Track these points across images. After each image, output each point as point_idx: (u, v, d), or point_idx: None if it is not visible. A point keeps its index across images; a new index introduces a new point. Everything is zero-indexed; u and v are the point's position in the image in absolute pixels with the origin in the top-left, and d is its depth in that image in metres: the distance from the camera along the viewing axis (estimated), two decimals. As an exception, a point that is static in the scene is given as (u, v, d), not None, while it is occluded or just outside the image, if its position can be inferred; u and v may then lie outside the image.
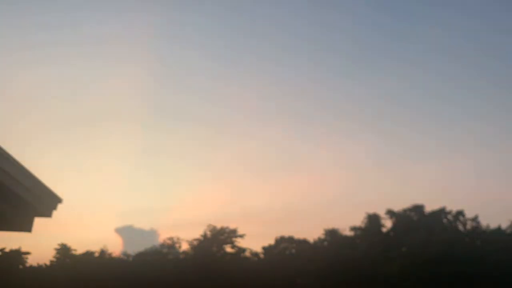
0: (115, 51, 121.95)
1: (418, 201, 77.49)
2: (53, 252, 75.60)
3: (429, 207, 72.60)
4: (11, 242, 66.35)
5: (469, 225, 70.12)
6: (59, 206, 7.98)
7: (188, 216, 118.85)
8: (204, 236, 73.72)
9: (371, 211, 74.31)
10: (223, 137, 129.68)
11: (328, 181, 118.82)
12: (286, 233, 78.48)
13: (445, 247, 59.00)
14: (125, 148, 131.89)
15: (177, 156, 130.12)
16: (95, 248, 75.73)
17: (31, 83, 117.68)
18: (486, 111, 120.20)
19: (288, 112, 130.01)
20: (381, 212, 74.05)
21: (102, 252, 75.54)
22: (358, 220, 76.96)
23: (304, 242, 76.27)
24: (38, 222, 8.13)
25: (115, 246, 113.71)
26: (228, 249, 73.82)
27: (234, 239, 73.56)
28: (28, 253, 69.31)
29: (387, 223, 74.04)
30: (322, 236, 74.80)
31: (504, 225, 68.27)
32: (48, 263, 75.55)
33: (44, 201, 7.51)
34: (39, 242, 79.00)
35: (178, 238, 78.08)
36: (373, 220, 73.50)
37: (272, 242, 77.59)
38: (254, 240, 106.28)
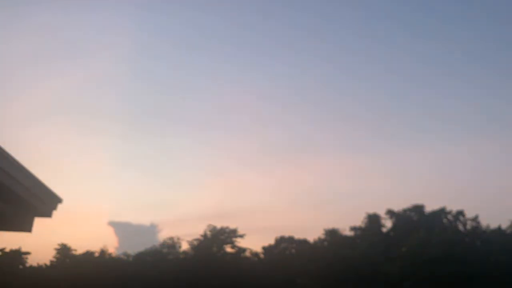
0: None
1: (418, 201, 77.67)
2: (53, 252, 75.73)
3: (429, 207, 72.76)
4: (11, 242, 66.42)
5: (469, 225, 70.16)
6: (59, 206, 7.99)
7: (190, 210, 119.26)
8: (204, 236, 73.74)
9: (371, 211, 74.52)
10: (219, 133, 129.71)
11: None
12: (287, 232, 78.75)
13: (445, 247, 58.98)
14: (123, 144, 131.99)
15: (178, 151, 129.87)
16: (95, 248, 75.79)
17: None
18: (486, 111, 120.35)
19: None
20: (381, 212, 74.19)
21: (102, 252, 75.57)
22: (358, 220, 77.11)
23: (304, 242, 76.33)
24: (38, 222, 8.13)
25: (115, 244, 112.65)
26: (228, 249, 73.84)
27: (234, 239, 73.58)
28: (28, 253, 69.38)
29: (387, 223, 74.16)
30: (322, 236, 74.87)
31: (504, 225, 68.40)
32: (48, 263, 75.61)
33: (44, 201, 7.51)
34: (39, 242, 78.97)
35: (178, 238, 78.17)
36: (373, 220, 73.56)
37: (272, 241, 77.78)
38: (256, 235, 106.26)
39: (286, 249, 76.98)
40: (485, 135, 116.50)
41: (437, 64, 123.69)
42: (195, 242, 73.79)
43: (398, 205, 75.71)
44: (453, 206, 71.58)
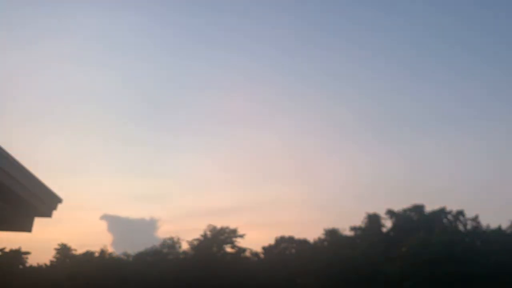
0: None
1: (418, 201, 77.67)
2: (53, 252, 75.79)
3: (429, 207, 72.73)
4: (11, 242, 66.46)
5: (469, 225, 70.14)
6: (59, 206, 7.99)
7: (190, 204, 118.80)
8: (204, 236, 73.74)
9: (371, 211, 74.49)
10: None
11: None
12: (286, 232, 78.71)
13: (445, 247, 58.97)
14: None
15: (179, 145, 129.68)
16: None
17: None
18: (486, 109, 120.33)
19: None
20: (381, 212, 74.16)
21: (102, 252, 75.60)
22: (358, 220, 77.11)
23: (304, 242, 76.29)
24: (38, 222, 8.13)
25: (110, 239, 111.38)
26: (228, 249, 73.84)
27: (234, 239, 73.58)
28: (28, 253, 69.44)
29: (387, 223, 74.13)
30: (322, 236, 74.84)
31: (504, 225, 68.35)
32: (48, 263, 75.66)
33: (44, 201, 7.50)
34: (39, 242, 78.99)
35: (178, 238, 78.17)
36: (373, 220, 73.53)
37: (272, 242, 77.72)
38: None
39: (286, 249, 76.93)
40: (485, 135, 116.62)
41: (437, 64, 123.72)
42: (195, 242, 73.82)
43: (398, 205, 75.81)
44: (453, 206, 71.69)
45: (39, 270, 73.25)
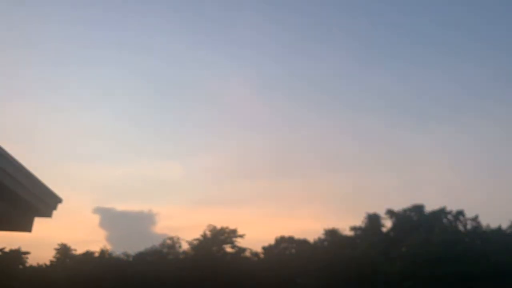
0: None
1: (418, 201, 77.67)
2: (53, 252, 75.83)
3: (429, 207, 72.74)
4: (11, 242, 66.44)
5: (469, 225, 70.16)
6: (59, 206, 7.99)
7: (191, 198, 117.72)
8: (204, 236, 73.83)
9: (371, 211, 74.51)
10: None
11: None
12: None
13: (445, 247, 59.02)
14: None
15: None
16: (96, 247, 75.91)
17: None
18: (485, 109, 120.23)
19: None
20: (381, 212, 74.19)
21: (102, 252, 75.69)
22: (358, 220, 77.11)
23: (304, 242, 76.29)
24: (38, 222, 8.13)
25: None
26: (228, 249, 73.91)
27: (234, 239, 73.66)
28: (28, 253, 69.42)
29: (387, 223, 74.14)
30: (322, 236, 74.88)
31: (504, 225, 68.39)
32: (48, 263, 75.68)
33: (44, 201, 7.51)
34: (39, 242, 78.84)
35: (178, 238, 78.23)
36: (373, 220, 73.55)
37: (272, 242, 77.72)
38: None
39: (286, 249, 76.95)
40: (485, 135, 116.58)
41: (437, 67, 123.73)
42: (195, 242, 73.93)
43: (398, 205, 75.80)
44: (453, 206, 71.71)
45: (39, 270, 73.26)
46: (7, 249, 66.59)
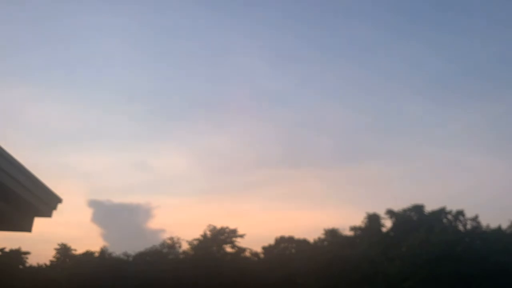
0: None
1: (418, 201, 77.62)
2: (53, 252, 75.80)
3: (429, 207, 72.73)
4: (11, 242, 66.44)
5: (469, 225, 70.11)
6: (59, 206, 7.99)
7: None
8: (204, 236, 73.79)
9: (371, 211, 74.46)
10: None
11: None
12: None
13: (445, 247, 58.94)
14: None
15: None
16: (96, 248, 75.86)
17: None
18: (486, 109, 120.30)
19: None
20: (381, 212, 74.14)
21: (102, 252, 75.65)
22: (358, 220, 77.09)
23: (304, 242, 76.28)
24: (38, 222, 8.13)
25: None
26: (228, 249, 73.88)
27: (234, 239, 73.61)
28: (28, 253, 69.42)
29: (387, 223, 74.08)
30: (322, 236, 74.84)
31: (504, 225, 68.30)
32: (48, 263, 75.65)
33: (44, 201, 7.51)
34: (39, 242, 78.82)
35: (178, 238, 78.21)
36: (373, 220, 73.49)
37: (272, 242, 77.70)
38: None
39: (286, 249, 76.93)
40: (485, 135, 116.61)
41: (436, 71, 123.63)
42: (195, 242, 73.88)
43: (398, 205, 75.79)
44: (453, 206, 71.72)
45: (39, 270, 73.23)
46: (7, 249, 66.65)
